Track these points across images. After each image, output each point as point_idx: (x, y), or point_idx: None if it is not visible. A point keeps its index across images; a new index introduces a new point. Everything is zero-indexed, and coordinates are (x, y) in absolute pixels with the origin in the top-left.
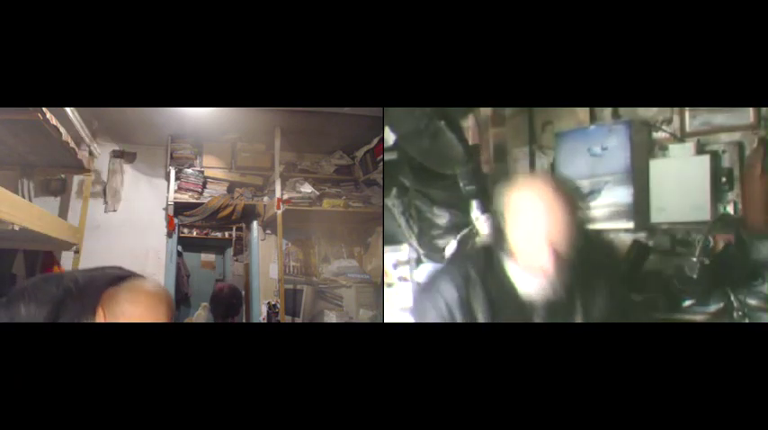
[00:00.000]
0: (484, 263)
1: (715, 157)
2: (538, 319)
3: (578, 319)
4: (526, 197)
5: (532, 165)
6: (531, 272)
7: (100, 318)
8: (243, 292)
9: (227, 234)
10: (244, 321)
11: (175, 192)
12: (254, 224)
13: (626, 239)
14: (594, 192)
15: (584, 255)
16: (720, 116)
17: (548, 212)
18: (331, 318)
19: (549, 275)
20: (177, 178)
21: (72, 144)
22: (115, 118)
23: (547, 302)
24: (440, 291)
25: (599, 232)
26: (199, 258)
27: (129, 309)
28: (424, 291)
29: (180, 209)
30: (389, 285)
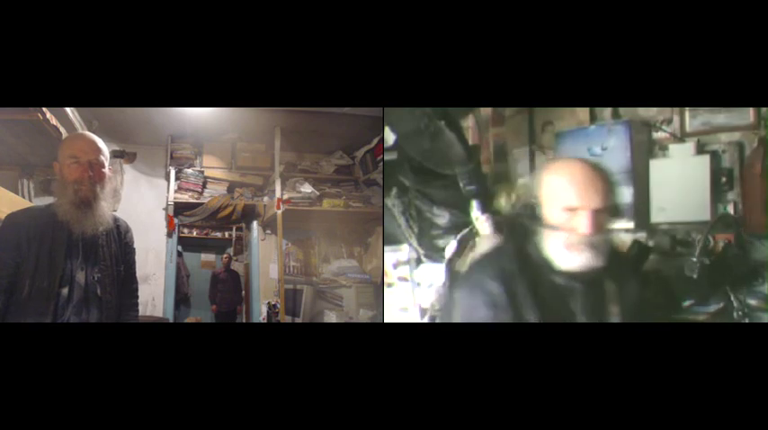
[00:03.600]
0: (520, 252)
1: (715, 157)
2: (577, 292)
3: (611, 288)
4: (563, 171)
5: (532, 165)
6: (570, 247)
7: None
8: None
9: (227, 234)
10: (244, 321)
11: (175, 192)
12: (254, 224)
13: (626, 239)
14: None
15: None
16: (720, 116)
17: (586, 181)
18: (331, 318)
19: (588, 242)
20: (177, 178)
21: None
22: (115, 118)
23: (585, 273)
24: (480, 287)
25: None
26: (199, 258)
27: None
28: (463, 288)
29: (180, 209)
30: (389, 285)
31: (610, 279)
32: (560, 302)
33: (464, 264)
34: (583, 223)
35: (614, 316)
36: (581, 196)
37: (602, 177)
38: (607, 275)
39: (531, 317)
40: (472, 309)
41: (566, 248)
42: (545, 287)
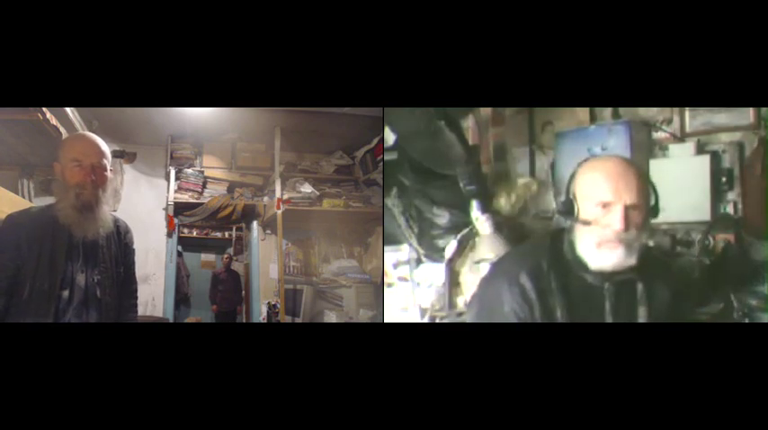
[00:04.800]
0: (553, 250)
1: (715, 157)
2: (608, 292)
3: (639, 289)
4: (599, 167)
5: (532, 165)
6: (602, 245)
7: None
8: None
9: (227, 234)
10: (244, 321)
11: (175, 192)
12: (254, 224)
13: None
14: None
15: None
16: (720, 116)
17: (620, 176)
18: (331, 317)
19: (621, 238)
20: (177, 178)
21: None
22: (115, 118)
23: (616, 273)
24: (514, 280)
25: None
26: (199, 258)
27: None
28: (495, 279)
29: (180, 209)
30: (389, 285)
31: (641, 281)
32: (590, 302)
33: (464, 264)
34: (616, 218)
35: (642, 319)
36: (614, 191)
37: (636, 174)
38: (639, 277)
39: (559, 315)
40: (500, 303)
41: (597, 246)
42: (575, 286)
